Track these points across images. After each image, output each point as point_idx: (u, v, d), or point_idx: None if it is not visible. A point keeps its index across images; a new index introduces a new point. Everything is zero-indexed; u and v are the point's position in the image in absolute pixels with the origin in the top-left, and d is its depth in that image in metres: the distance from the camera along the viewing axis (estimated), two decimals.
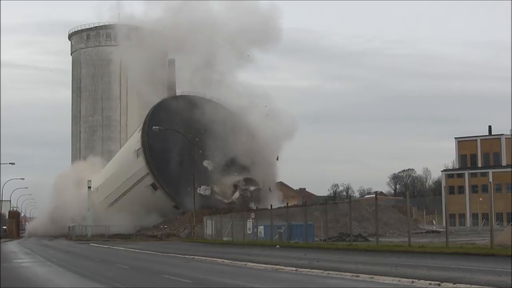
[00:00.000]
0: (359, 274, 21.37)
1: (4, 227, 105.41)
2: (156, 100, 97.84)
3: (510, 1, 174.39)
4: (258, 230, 57.11)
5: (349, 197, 44.31)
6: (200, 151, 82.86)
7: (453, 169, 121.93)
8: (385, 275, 20.69)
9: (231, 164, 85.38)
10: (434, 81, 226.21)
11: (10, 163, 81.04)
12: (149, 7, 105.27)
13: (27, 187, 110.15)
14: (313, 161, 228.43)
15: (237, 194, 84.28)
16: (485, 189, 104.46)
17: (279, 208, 60.53)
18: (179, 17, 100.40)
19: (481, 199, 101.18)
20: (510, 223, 64.45)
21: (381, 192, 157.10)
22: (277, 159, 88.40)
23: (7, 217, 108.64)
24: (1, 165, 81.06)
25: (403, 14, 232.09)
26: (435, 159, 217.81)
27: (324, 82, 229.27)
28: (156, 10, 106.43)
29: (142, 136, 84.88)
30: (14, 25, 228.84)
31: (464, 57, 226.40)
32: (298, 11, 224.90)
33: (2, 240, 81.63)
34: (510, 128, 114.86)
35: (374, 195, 69.10)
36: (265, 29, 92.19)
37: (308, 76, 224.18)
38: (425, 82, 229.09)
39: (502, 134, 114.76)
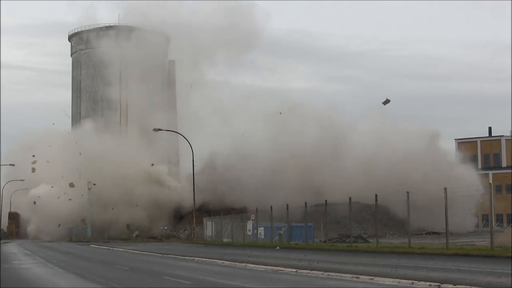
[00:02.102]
0: (359, 276, 21.37)
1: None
2: (156, 102, 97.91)
3: (510, 1, 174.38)
4: (258, 231, 57.11)
5: (349, 198, 44.33)
6: None
7: None
8: (385, 276, 20.69)
9: None
10: (433, 82, 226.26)
11: (10, 165, 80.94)
12: (149, 9, 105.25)
13: (27, 188, 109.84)
14: None
15: None
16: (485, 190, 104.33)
17: (279, 209, 60.41)
18: (179, 19, 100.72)
19: (481, 200, 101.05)
20: (510, 225, 64.46)
21: None
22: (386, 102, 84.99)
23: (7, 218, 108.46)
24: (1, 166, 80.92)
25: (401, 15, 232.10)
26: None
27: (322, 83, 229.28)
28: (155, 12, 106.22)
29: None
30: (12, 26, 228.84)
31: (463, 58, 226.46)
32: (296, 12, 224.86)
33: (2, 241, 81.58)
34: (510, 129, 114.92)
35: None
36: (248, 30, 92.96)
37: (307, 77, 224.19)
38: (424, 83, 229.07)
39: (502, 136, 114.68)
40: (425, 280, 19.06)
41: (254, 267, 27.16)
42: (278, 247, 46.02)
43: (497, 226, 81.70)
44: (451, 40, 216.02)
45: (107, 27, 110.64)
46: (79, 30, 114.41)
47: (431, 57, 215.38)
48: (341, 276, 21.92)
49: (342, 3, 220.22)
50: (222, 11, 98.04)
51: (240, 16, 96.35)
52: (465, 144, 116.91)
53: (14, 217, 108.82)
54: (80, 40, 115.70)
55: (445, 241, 35.39)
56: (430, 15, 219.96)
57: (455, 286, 17.77)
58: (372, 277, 20.76)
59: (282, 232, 53.07)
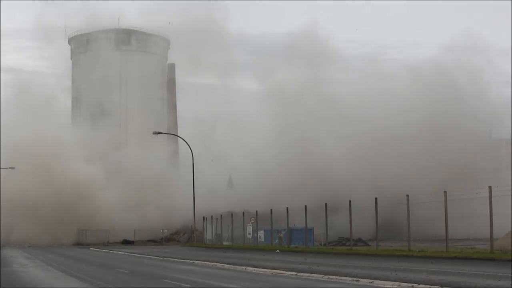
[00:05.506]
0: (359, 279, 21.37)
1: None
2: (156, 105, 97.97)
3: (509, 4, 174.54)
4: (258, 234, 57.11)
5: (349, 201, 44.27)
6: None
7: None
8: (385, 280, 20.68)
9: None
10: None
11: (10, 168, 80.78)
12: (149, 12, 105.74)
13: None
14: None
15: None
16: None
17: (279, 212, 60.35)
18: (179, 22, 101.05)
19: None
20: (510, 228, 64.16)
21: None
22: None
23: None
24: (1, 169, 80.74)
25: (397, 18, 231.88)
26: None
27: (320, 86, 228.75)
28: (155, 15, 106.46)
29: None
30: (11, 30, 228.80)
31: (461, 61, 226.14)
32: (293, 15, 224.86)
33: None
34: (510, 132, 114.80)
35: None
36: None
37: (304, 80, 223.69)
38: (422, 87, 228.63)
39: (502, 139, 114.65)
40: (425, 283, 19.06)
41: (254, 270, 27.15)
42: (278, 250, 46.01)
43: None
44: (448, 43, 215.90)
45: (107, 30, 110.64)
46: (79, 33, 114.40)
47: (428, 60, 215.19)
48: (341, 279, 21.92)
49: (337, 7, 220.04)
50: (220, 14, 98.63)
51: (237, 19, 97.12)
52: None
53: None
54: (80, 44, 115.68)
55: (445, 244, 35.40)
56: (426, 19, 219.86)
57: None
58: (372, 280, 20.75)
59: (282, 235, 53.09)
